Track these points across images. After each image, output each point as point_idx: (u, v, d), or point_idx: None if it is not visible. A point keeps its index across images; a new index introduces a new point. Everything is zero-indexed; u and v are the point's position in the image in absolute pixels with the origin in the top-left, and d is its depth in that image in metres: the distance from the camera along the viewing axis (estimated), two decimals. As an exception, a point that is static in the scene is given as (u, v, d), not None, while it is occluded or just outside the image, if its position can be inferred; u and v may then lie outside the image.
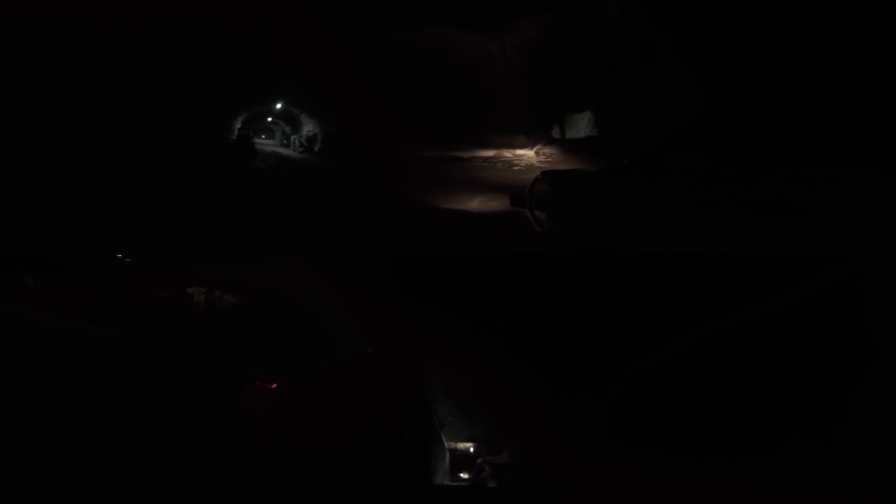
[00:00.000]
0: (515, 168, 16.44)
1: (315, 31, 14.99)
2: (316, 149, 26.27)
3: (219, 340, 2.83)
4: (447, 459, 3.44)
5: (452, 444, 3.51)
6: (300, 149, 29.08)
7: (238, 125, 21.88)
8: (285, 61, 16.38)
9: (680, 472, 2.19)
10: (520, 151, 17.90)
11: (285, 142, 33.64)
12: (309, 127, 29.57)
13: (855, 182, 5.24)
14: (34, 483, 2.17)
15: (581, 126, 16.94)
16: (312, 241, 7.40)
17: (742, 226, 3.79)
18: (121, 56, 10.20)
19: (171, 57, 11.41)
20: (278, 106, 26.12)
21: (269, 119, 32.59)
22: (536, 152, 17.56)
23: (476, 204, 10.28)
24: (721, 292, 3.17)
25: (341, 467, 2.23)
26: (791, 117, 7.62)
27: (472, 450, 3.52)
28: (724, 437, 2.40)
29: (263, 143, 33.30)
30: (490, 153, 17.91)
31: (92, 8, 9.00)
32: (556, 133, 17.92)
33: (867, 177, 5.48)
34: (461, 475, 3.38)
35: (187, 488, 2.17)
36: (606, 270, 3.45)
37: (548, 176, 5.08)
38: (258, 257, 3.57)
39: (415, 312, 2.99)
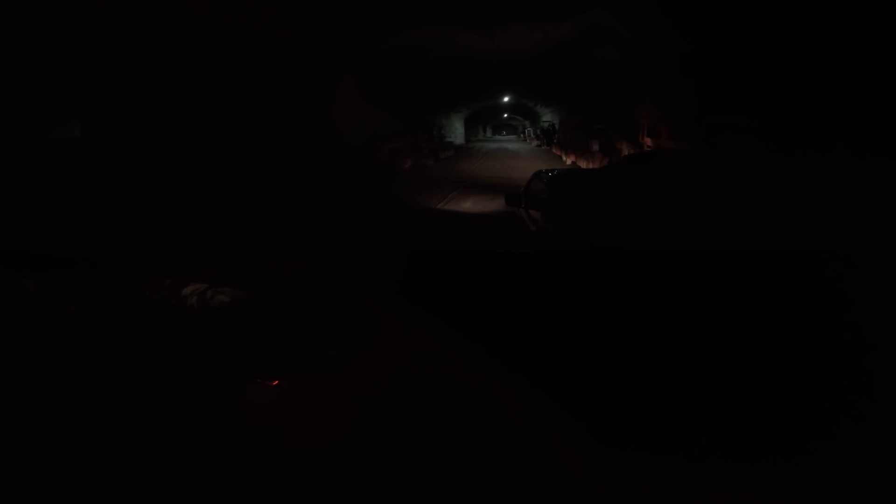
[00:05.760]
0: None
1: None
2: (556, 140, 23.67)
3: (221, 338, 2.88)
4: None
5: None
6: (536, 142, 27.26)
7: (455, 123, 22.09)
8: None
9: (679, 473, 2.12)
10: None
11: (522, 135, 32.54)
12: (547, 117, 27.65)
13: (851, 180, 5.37)
14: (36, 484, 2.28)
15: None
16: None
17: (740, 226, 3.77)
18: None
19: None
20: (505, 99, 25.13)
21: (506, 115, 32.08)
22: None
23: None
24: (720, 292, 3.17)
25: (344, 463, 2.20)
26: (791, 114, 7.53)
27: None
28: (723, 438, 2.34)
29: (500, 139, 33.34)
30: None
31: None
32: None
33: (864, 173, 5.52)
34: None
35: (189, 489, 2.20)
36: (600, 270, 3.47)
37: (543, 175, 5.16)
38: (262, 256, 3.48)
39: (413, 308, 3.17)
